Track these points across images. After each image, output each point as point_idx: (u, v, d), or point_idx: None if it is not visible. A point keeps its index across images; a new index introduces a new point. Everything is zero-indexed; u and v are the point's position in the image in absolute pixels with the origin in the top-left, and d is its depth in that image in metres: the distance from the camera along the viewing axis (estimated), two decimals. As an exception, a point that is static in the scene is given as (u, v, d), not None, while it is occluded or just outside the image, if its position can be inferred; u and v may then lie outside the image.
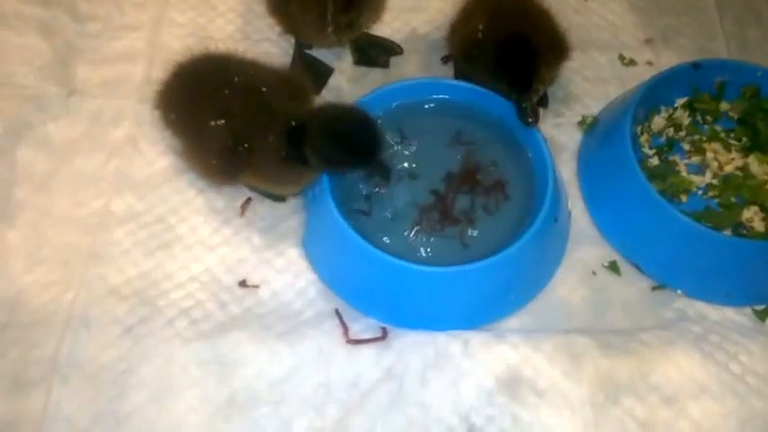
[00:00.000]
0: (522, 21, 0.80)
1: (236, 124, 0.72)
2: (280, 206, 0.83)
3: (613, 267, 0.81)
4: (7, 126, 0.85)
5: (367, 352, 0.74)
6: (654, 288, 0.80)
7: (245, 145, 0.72)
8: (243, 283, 0.78)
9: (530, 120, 0.77)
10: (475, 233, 0.77)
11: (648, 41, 0.98)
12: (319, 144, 0.70)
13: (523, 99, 0.77)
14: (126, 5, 0.97)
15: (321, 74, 0.92)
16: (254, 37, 0.95)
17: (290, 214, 0.83)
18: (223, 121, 0.72)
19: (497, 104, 0.81)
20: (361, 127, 0.71)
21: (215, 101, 0.73)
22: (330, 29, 0.79)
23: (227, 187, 0.82)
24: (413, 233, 0.76)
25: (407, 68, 0.94)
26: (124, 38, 0.94)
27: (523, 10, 0.82)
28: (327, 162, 0.72)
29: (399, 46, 0.94)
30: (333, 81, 0.92)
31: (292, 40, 0.92)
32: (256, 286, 0.78)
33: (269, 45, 0.94)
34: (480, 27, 0.80)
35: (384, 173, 0.75)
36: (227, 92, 0.73)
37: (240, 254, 0.80)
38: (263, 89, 0.73)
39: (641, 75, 0.93)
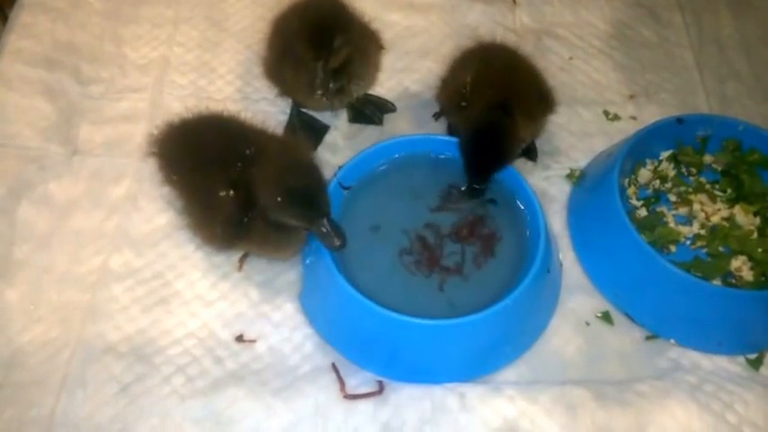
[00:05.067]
0: (508, 75, 0.83)
1: (244, 195, 0.73)
2: (277, 260, 0.84)
3: (606, 317, 0.82)
4: (9, 186, 0.87)
5: (364, 407, 0.74)
6: (647, 338, 0.80)
7: (249, 215, 0.73)
8: (240, 338, 0.79)
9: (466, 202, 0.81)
10: (462, 284, 0.78)
11: (632, 97, 1.01)
12: (265, 194, 0.71)
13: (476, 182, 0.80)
14: (129, 68, 1.00)
15: (317, 131, 0.95)
16: (253, 97, 0.98)
17: (287, 268, 0.84)
18: (233, 193, 0.73)
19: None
20: (305, 182, 0.71)
21: (226, 172, 0.74)
22: (319, 93, 0.82)
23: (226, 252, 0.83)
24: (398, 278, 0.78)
25: (401, 125, 0.96)
26: (127, 99, 0.97)
27: (511, 65, 0.85)
28: (271, 212, 0.72)
29: (393, 104, 0.97)
30: (329, 138, 0.95)
31: (290, 100, 0.95)
32: (253, 341, 0.79)
33: (267, 104, 0.97)
34: (468, 80, 0.83)
35: (334, 232, 0.72)
36: (239, 164, 0.74)
37: (237, 308, 0.81)
38: (273, 161, 0.73)
39: (625, 129, 0.96)
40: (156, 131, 0.82)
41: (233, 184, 0.73)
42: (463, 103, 0.82)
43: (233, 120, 0.81)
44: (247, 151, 0.75)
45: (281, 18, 0.89)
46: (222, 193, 0.74)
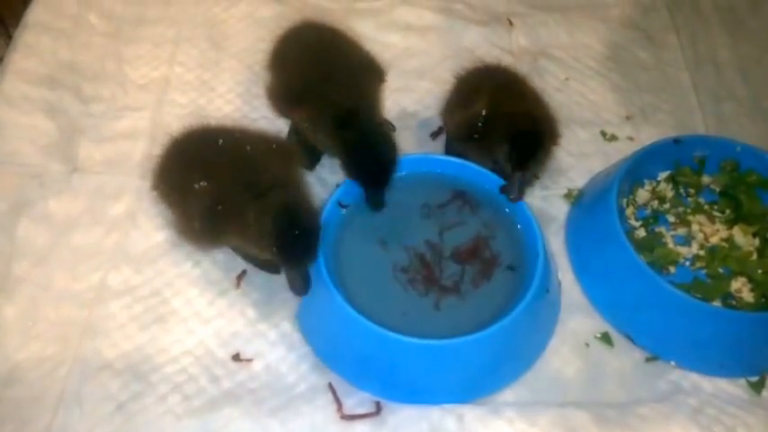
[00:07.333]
0: (522, 107, 0.82)
1: (219, 185, 0.73)
2: (274, 278, 0.84)
3: (606, 339, 0.81)
4: (9, 203, 0.87)
5: (361, 428, 0.73)
6: (647, 359, 0.80)
7: (224, 204, 0.73)
8: (236, 357, 0.78)
9: (512, 196, 0.80)
10: (460, 303, 0.77)
11: (629, 118, 1.02)
12: (257, 239, 0.72)
13: (516, 173, 0.79)
14: (130, 87, 1.01)
15: (315, 151, 0.94)
16: (252, 116, 0.99)
17: (284, 286, 0.82)
18: (205, 183, 0.74)
19: (487, 180, 0.84)
20: (300, 235, 0.71)
21: (199, 164, 0.75)
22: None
23: (212, 250, 0.83)
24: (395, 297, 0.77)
25: (399, 144, 0.96)
26: (127, 117, 0.98)
27: (523, 96, 0.85)
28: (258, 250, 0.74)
29: (391, 123, 0.98)
30: (327, 157, 0.95)
31: (288, 120, 0.95)
32: (250, 360, 0.78)
33: (266, 123, 0.98)
34: (483, 112, 0.82)
35: (302, 281, 0.73)
36: (209, 154, 0.75)
37: (234, 326, 0.81)
38: (247, 147, 0.75)
39: (623, 149, 0.96)
40: (155, 151, 0.82)
41: (206, 175, 0.74)
42: (476, 135, 0.82)
43: (219, 126, 0.82)
44: (219, 141, 0.76)
45: (281, 41, 0.90)
46: (196, 186, 0.74)
